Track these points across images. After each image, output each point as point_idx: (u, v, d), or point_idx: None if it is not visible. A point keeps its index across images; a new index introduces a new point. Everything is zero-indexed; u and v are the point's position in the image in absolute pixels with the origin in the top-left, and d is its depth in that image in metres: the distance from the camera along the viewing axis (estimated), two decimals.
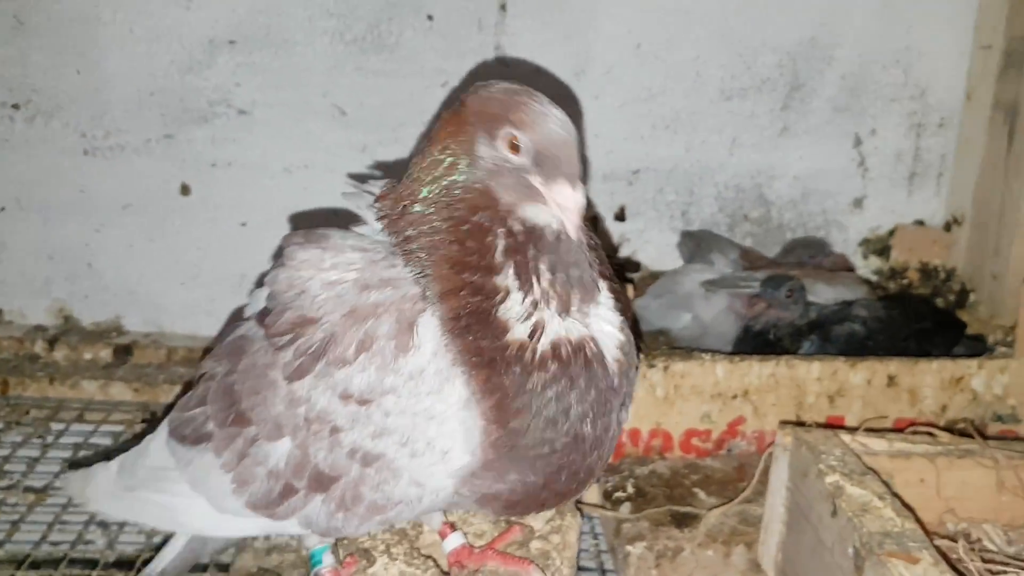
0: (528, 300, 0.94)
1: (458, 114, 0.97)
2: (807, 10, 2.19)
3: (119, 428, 1.90)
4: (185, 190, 2.15)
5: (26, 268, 2.19)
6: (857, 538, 1.05)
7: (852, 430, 1.33)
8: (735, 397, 1.65)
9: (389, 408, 0.93)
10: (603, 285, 1.01)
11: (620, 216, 2.29)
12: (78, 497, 1.19)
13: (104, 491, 1.16)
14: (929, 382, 1.68)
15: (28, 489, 1.68)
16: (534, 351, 0.93)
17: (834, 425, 1.60)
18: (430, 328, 0.93)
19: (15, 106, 2.10)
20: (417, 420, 0.93)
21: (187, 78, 2.09)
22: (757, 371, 1.64)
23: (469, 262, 0.94)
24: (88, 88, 2.10)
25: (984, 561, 1.17)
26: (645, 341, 1.88)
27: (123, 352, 2.13)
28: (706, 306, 1.99)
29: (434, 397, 0.92)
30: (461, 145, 0.95)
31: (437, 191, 0.96)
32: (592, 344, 0.96)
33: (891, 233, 2.35)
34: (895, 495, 1.14)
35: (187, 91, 2.10)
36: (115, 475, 1.16)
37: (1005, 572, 1.14)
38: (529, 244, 0.95)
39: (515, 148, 0.92)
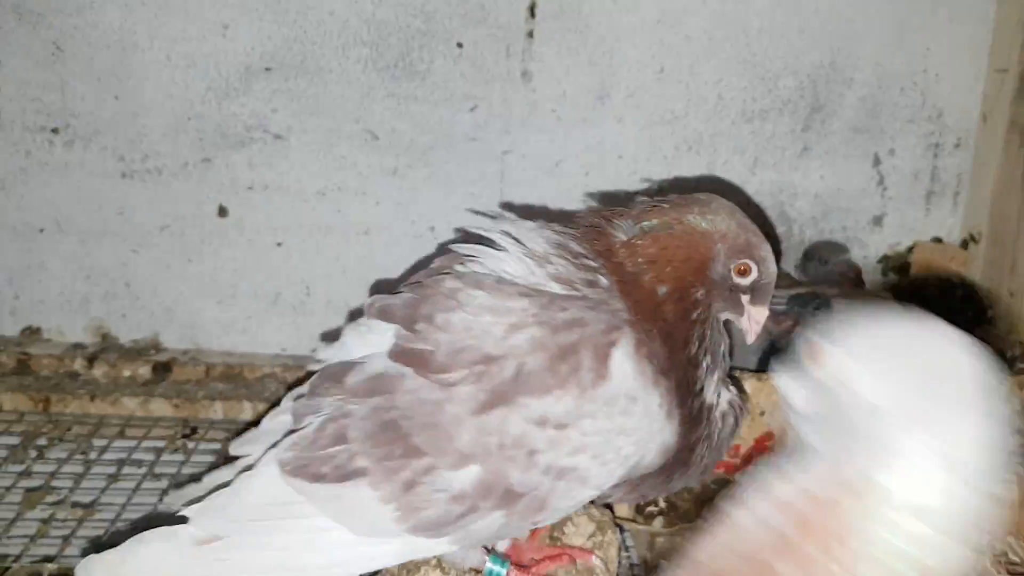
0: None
1: (703, 233, 1.15)
2: (827, 35, 2.23)
3: (160, 443, 1.94)
4: (222, 212, 2.21)
5: (64, 287, 2.24)
6: None
7: None
8: (762, 413, 1.69)
9: (586, 429, 1.06)
10: None
11: None
12: None
13: (169, 561, 1.09)
14: None
15: (76, 504, 1.73)
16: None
17: None
18: (620, 358, 1.07)
19: (54, 130, 2.15)
20: (610, 436, 1.07)
21: (224, 104, 2.14)
22: None
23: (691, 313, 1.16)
24: (126, 113, 2.15)
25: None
26: None
27: (162, 369, 2.18)
28: None
29: (625, 416, 1.07)
30: (698, 270, 1.16)
31: (667, 276, 1.15)
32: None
33: (910, 250, 2.39)
34: None
35: (224, 116, 2.15)
36: (189, 532, 1.09)
37: None
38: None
39: (743, 273, 1.16)
